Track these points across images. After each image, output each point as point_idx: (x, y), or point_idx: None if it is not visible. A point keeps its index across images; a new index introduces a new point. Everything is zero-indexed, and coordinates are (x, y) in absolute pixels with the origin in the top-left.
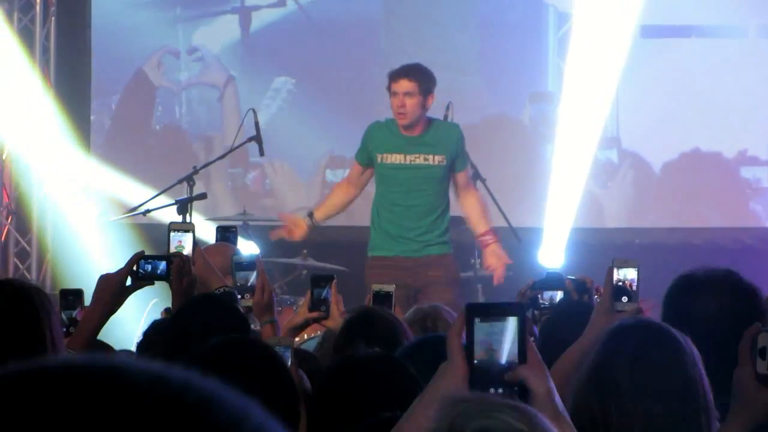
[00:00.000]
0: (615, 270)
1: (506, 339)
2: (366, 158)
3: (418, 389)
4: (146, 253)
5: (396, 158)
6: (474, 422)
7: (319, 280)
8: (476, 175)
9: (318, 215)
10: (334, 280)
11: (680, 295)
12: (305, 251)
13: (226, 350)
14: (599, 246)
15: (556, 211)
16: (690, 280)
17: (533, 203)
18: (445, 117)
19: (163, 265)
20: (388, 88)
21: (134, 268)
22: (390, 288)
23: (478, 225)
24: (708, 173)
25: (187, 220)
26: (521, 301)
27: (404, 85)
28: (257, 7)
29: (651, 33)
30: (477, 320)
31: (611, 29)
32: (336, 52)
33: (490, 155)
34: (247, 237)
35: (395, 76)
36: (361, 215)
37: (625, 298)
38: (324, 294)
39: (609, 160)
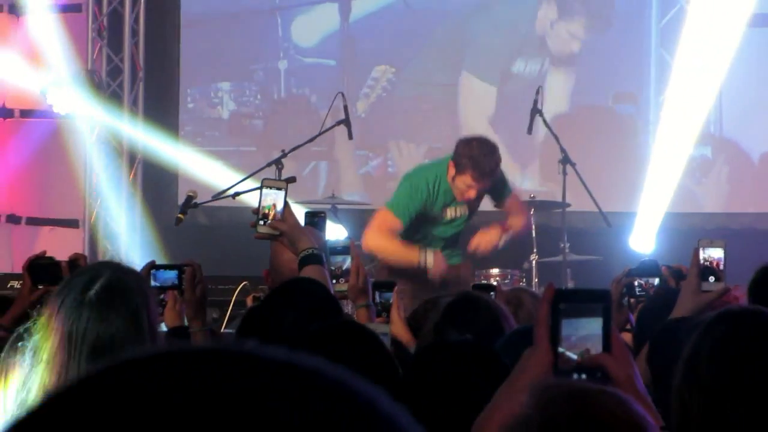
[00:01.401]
0: (701, 250)
1: (593, 331)
2: (412, 216)
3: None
4: (158, 263)
5: (446, 212)
6: (568, 408)
7: (381, 286)
8: (566, 160)
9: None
10: (396, 287)
11: (764, 284)
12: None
13: (329, 335)
14: (690, 232)
15: (650, 196)
16: None
17: (624, 190)
18: (535, 101)
19: (173, 274)
20: (463, 170)
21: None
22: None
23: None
24: None
25: None
26: (617, 288)
27: (485, 185)
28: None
29: (761, 22)
30: (563, 311)
31: (724, 17)
32: (433, 41)
33: (581, 141)
34: (336, 221)
35: (483, 174)
36: None
37: (711, 278)
38: (387, 299)
39: (704, 156)
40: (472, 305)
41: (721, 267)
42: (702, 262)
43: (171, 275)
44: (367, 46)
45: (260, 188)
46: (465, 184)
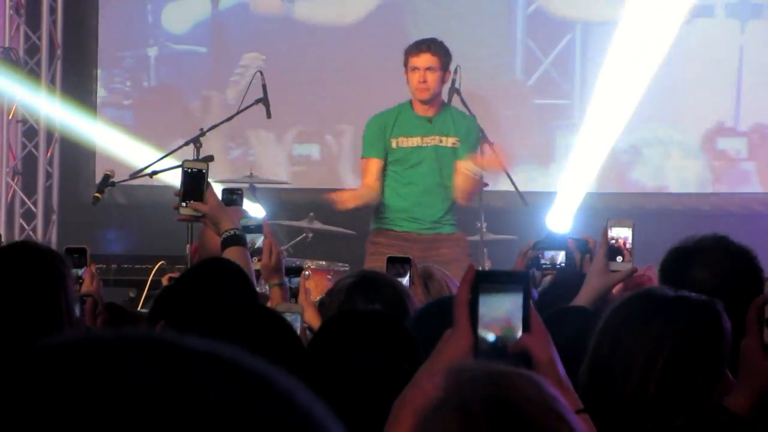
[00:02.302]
0: (609, 230)
1: (514, 311)
2: (383, 149)
3: (414, 351)
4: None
5: (414, 141)
6: (482, 391)
7: (289, 272)
8: (483, 139)
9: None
10: (303, 272)
11: (674, 266)
12: (312, 214)
13: (236, 318)
14: (609, 211)
15: (571, 176)
16: (681, 250)
17: (545, 170)
18: (453, 80)
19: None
20: (406, 63)
21: None
22: (406, 256)
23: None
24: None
25: None
26: (522, 260)
27: (426, 59)
28: None
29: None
30: (482, 293)
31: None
32: (306, 29)
33: (498, 120)
34: (254, 199)
35: (416, 50)
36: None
37: (619, 258)
38: (294, 285)
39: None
40: (374, 285)
41: (629, 247)
42: (610, 241)
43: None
44: (237, 33)
45: (181, 169)
46: (411, 75)
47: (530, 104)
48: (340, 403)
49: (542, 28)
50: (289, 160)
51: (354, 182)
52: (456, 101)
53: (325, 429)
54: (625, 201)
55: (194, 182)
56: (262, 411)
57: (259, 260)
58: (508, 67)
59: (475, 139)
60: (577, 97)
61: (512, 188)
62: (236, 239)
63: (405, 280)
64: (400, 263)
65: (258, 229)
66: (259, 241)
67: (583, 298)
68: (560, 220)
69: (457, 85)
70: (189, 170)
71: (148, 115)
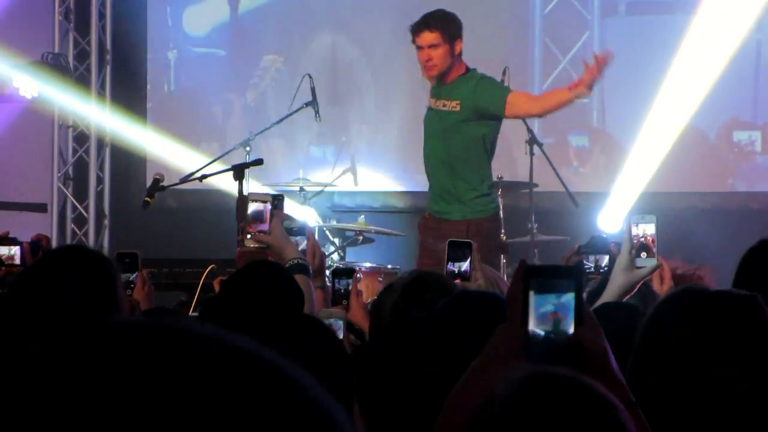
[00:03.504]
0: (633, 226)
1: (566, 306)
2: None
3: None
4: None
5: (430, 102)
6: (539, 397)
7: (341, 273)
8: (533, 140)
9: None
10: (355, 274)
11: (757, 261)
12: (362, 216)
13: (278, 325)
14: (660, 211)
15: (625, 177)
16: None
17: (598, 170)
18: (501, 81)
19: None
20: (413, 42)
21: None
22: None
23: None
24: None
25: (244, 185)
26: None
27: (427, 37)
28: None
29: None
30: (533, 288)
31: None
32: (323, 32)
33: (551, 122)
34: (304, 202)
35: (416, 29)
36: (415, 181)
37: (644, 254)
38: (345, 286)
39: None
40: (424, 284)
41: (653, 242)
42: (635, 238)
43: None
44: (256, 35)
45: (248, 201)
46: (418, 54)
47: None
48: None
49: (560, 26)
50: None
51: (373, 185)
52: None
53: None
54: (679, 201)
55: (259, 213)
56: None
57: None
58: (526, 65)
59: (485, 90)
60: (595, 95)
61: (562, 189)
62: (300, 268)
63: (465, 265)
64: (460, 247)
65: (300, 231)
66: (303, 244)
67: (609, 295)
68: (611, 220)
69: (507, 85)
70: (254, 201)
71: (168, 118)
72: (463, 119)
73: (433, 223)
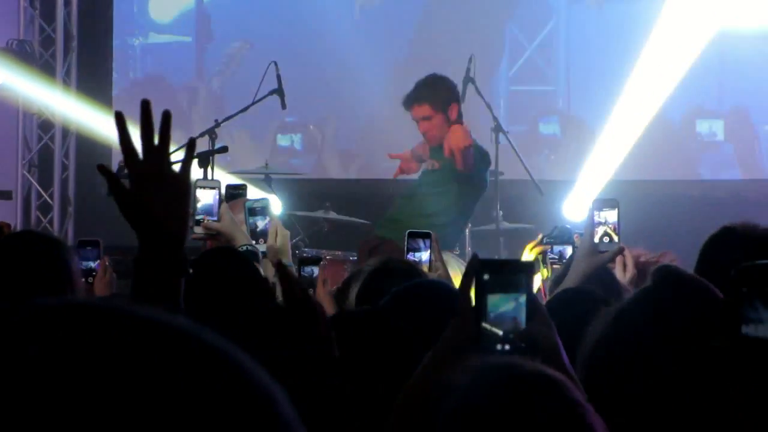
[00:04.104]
0: (596, 211)
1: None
2: None
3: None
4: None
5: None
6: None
7: (307, 262)
8: (498, 128)
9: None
10: (321, 262)
11: (718, 249)
12: (328, 204)
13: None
14: (625, 199)
15: (592, 165)
16: (729, 233)
17: (568, 158)
18: (468, 70)
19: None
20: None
21: None
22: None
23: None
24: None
25: (209, 173)
26: (530, 254)
27: (418, 111)
28: None
29: None
30: (487, 282)
31: None
32: (290, 19)
33: (521, 109)
34: (270, 190)
35: (406, 105)
36: (382, 169)
37: (606, 239)
38: (311, 274)
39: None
40: (390, 272)
41: (615, 227)
42: (597, 224)
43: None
44: (221, 22)
45: (194, 189)
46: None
47: (514, 91)
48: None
49: (526, 14)
50: (270, 148)
51: (340, 173)
52: (471, 90)
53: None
54: (644, 189)
55: (207, 200)
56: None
57: (265, 242)
58: (492, 54)
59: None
60: (563, 83)
61: (528, 177)
62: (250, 255)
63: (425, 256)
64: (420, 238)
65: (263, 211)
66: (264, 223)
67: (570, 280)
68: (577, 208)
69: (472, 74)
70: (201, 188)
71: (133, 105)
72: (444, 176)
73: None
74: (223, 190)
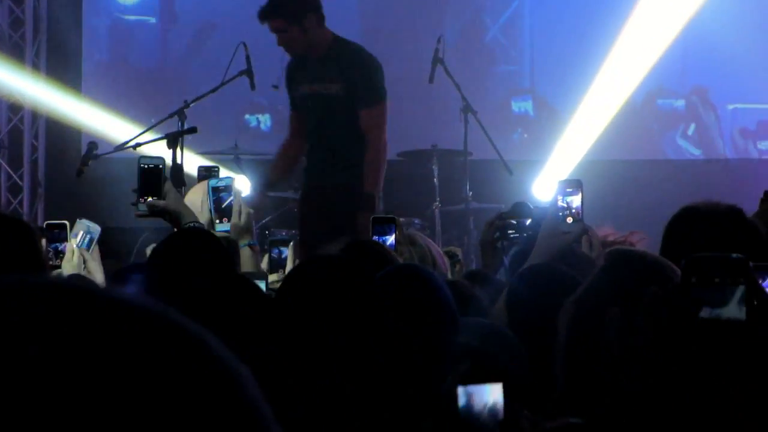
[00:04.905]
0: (560, 191)
1: None
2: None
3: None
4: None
5: (303, 89)
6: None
7: (277, 243)
8: (467, 108)
9: (274, 180)
10: (291, 243)
11: (681, 228)
12: (296, 185)
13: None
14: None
15: (561, 144)
16: (692, 212)
17: (541, 138)
18: (436, 50)
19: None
20: None
21: None
22: (391, 216)
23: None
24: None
25: (177, 154)
26: (489, 230)
27: (272, 26)
28: None
29: None
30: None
31: None
32: None
33: (492, 87)
34: (239, 171)
35: (259, 19)
36: None
37: (570, 219)
38: (279, 255)
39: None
40: (359, 254)
41: (579, 207)
42: (561, 203)
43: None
44: (188, 2)
45: (137, 165)
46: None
47: (482, 70)
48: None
49: None
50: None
51: None
52: (440, 71)
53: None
54: (612, 168)
55: (151, 178)
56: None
57: (229, 221)
58: (457, 33)
59: (370, 79)
60: (527, 63)
61: (497, 156)
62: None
63: (390, 240)
64: (385, 223)
65: (227, 189)
66: (228, 201)
67: (535, 257)
68: (546, 188)
69: (440, 55)
70: (145, 166)
71: (101, 87)
72: (347, 103)
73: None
74: (167, 168)
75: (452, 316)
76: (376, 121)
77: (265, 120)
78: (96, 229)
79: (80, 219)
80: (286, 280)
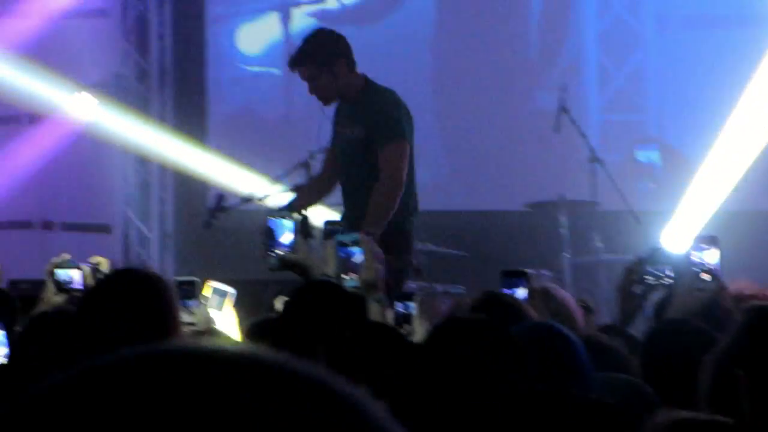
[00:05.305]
0: (696, 248)
1: None
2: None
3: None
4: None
5: (335, 128)
6: None
7: (401, 297)
8: (594, 157)
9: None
10: (418, 298)
11: None
12: (424, 236)
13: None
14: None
15: (694, 194)
16: None
17: (670, 187)
18: (560, 99)
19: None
20: None
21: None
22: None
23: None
24: None
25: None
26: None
27: (302, 74)
28: (297, 3)
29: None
30: None
31: None
32: (377, 48)
33: (610, 137)
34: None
35: (289, 68)
36: (480, 200)
37: (707, 276)
38: (406, 310)
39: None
40: (495, 305)
41: (717, 265)
42: (697, 260)
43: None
44: None
45: (266, 219)
46: None
47: (607, 119)
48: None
49: (614, 42)
50: None
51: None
52: (565, 121)
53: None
54: (750, 220)
55: (280, 231)
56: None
57: (357, 275)
58: (580, 81)
59: (387, 119)
60: (654, 110)
61: (624, 207)
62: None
63: (522, 293)
64: (515, 276)
65: (355, 243)
66: (357, 255)
67: (672, 314)
68: (678, 240)
69: (565, 104)
70: (274, 219)
71: (226, 139)
72: (367, 145)
73: None
74: (296, 220)
75: (586, 374)
76: (391, 159)
77: None
78: (230, 291)
79: (211, 281)
80: (431, 341)
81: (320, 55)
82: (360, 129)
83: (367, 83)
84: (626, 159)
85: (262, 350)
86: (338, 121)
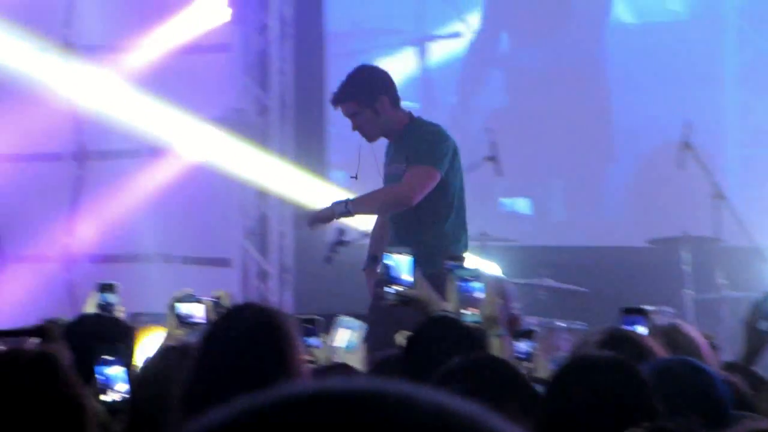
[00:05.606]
0: None
1: None
2: None
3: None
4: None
5: (384, 169)
6: None
7: (520, 335)
8: (718, 194)
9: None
10: (535, 333)
11: None
12: (542, 271)
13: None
14: None
15: None
16: None
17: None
18: (684, 135)
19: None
20: None
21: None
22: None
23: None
24: None
25: None
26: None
27: (344, 111)
28: (432, 38)
29: None
30: None
31: None
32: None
33: (734, 173)
34: (487, 257)
35: (332, 105)
36: (600, 236)
37: None
38: (532, 348)
39: None
40: (619, 341)
41: None
42: None
43: None
44: (446, 87)
45: (384, 255)
46: None
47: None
48: None
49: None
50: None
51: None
52: (688, 156)
53: None
54: None
55: (399, 266)
56: None
57: (477, 310)
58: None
59: (419, 145)
60: None
61: (749, 243)
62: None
63: (641, 332)
64: (635, 314)
65: (475, 278)
66: (477, 290)
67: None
68: None
69: (689, 140)
70: (392, 254)
71: (350, 172)
72: None
73: None
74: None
75: (726, 413)
76: (414, 176)
77: (521, 203)
78: (359, 325)
79: (342, 316)
80: (560, 377)
81: (362, 93)
82: (403, 162)
83: (412, 119)
84: (751, 195)
85: (451, 399)
86: (386, 161)
